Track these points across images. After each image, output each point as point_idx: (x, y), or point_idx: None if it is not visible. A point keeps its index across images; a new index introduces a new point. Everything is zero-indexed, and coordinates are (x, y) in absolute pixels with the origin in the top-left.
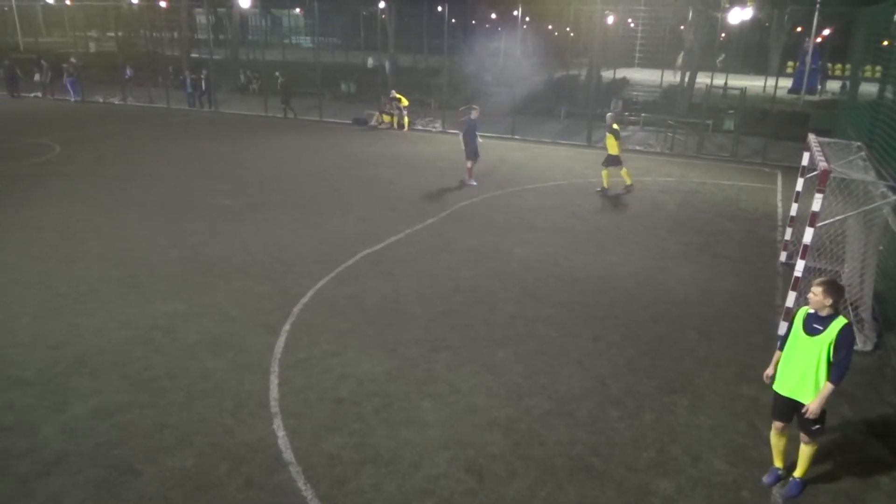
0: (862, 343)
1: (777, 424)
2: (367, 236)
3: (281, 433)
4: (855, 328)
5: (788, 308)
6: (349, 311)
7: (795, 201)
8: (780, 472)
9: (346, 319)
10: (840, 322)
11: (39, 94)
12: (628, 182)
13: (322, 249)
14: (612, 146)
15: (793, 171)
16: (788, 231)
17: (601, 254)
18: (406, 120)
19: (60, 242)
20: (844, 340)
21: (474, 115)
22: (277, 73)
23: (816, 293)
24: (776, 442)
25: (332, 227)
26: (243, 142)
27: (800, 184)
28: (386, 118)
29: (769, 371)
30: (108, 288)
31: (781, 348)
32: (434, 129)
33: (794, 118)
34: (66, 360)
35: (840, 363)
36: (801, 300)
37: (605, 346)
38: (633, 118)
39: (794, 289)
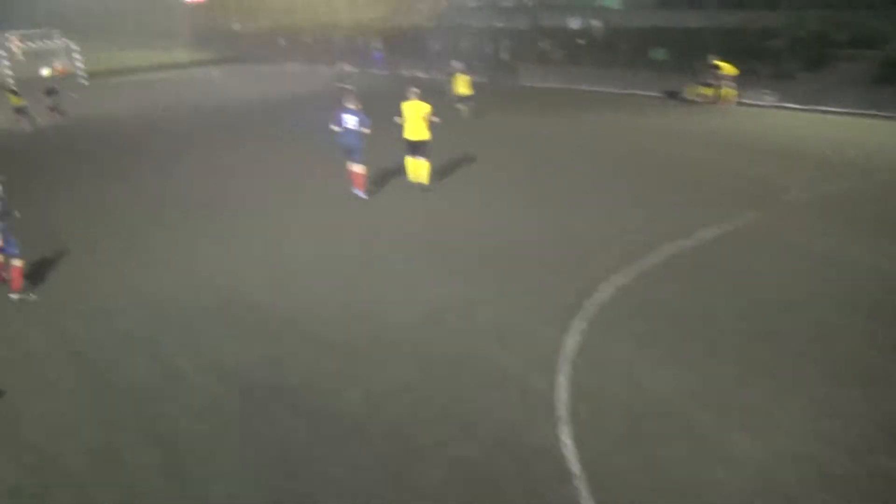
0: None
1: None
2: (675, 229)
3: (567, 440)
4: None
5: None
6: (649, 313)
7: None
8: None
9: (644, 323)
10: None
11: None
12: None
13: (621, 241)
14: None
15: None
16: None
17: None
18: (732, 92)
19: (375, 224)
20: None
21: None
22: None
23: None
24: None
25: (634, 216)
26: (547, 117)
27: None
28: (705, 91)
29: None
30: (410, 264)
31: None
32: (764, 104)
33: None
34: (368, 333)
35: None
36: None
37: None
38: None
39: None
